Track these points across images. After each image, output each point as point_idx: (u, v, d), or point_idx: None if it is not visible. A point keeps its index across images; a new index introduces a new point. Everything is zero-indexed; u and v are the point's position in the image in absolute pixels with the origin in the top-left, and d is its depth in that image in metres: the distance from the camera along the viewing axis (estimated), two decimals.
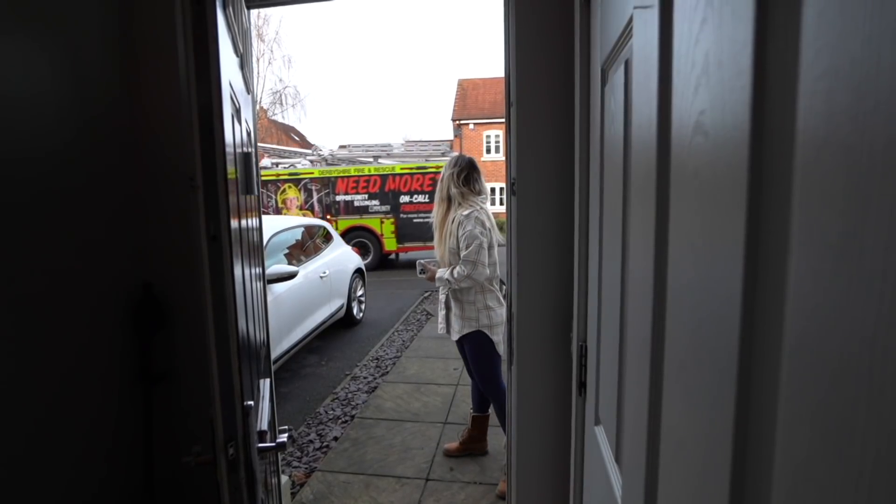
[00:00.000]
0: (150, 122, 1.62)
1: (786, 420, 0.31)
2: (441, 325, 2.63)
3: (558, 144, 1.37)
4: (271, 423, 1.48)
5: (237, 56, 1.26)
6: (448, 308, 2.57)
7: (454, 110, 24.88)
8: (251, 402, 0.96)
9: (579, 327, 1.16)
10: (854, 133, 0.22)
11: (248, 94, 1.63)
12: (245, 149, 1.37)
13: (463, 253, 2.34)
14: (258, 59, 24.00)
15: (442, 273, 2.46)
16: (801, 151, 0.27)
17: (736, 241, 0.35)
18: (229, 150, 0.89)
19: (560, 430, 1.42)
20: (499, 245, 2.43)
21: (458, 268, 2.37)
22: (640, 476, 0.61)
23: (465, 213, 2.37)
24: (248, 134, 1.54)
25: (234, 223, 0.94)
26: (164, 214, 1.65)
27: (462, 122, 24.21)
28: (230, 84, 0.99)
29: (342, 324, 5.83)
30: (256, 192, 1.62)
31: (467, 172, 2.46)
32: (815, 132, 0.26)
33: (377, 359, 4.70)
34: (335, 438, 3.15)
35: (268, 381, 1.67)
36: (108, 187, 1.52)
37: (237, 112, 1.16)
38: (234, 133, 1.01)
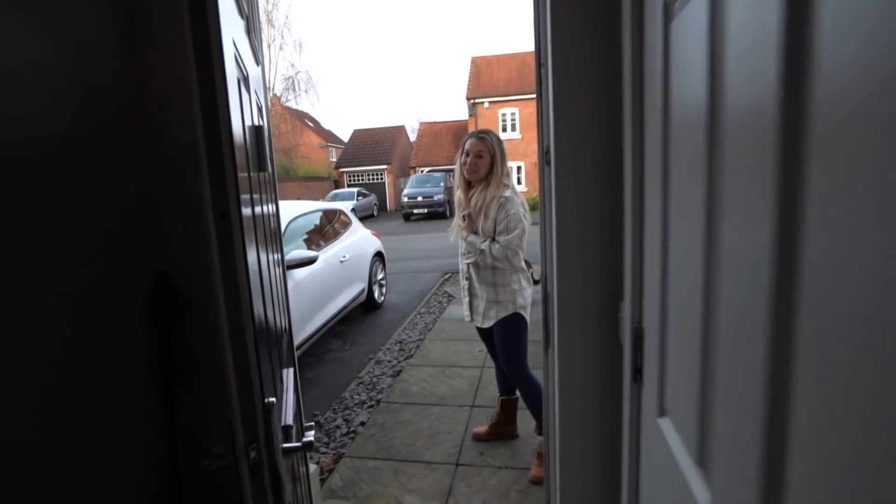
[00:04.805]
0: (153, 94, 1.52)
1: None
2: (467, 313, 2.51)
3: (601, 105, 1.22)
4: (297, 415, 1.40)
5: (242, 18, 1.14)
6: (473, 294, 2.44)
7: (468, 89, 24.43)
8: (272, 399, 0.87)
9: (633, 308, 1.03)
10: None
11: (258, 65, 1.52)
12: (256, 122, 1.26)
13: (507, 237, 2.23)
14: (269, 45, 23.86)
15: (475, 240, 2.32)
16: None
17: None
18: (235, 115, 0.78)
19: (608, 420, 1.31)
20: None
21: (496, 247, 2.25)
22: (750, 493, 0.49)
23: (507, 194, 2.27)
24: (259, 108, 1.43)
25: (246, 202, 0.84)
26: (175, 197, 1.56)
27: (477, 100, 23.78)
28: (234, 43, 0.88)
29: (364, 308, 5.79)
30: (271, 170, 1.51)
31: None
32: None
33: (400, 342, 4.64)
34: (362, 423, 3.10)
35: (291, 370, 1.59)
36: (115, 169, 1.43)
37: (244, 79, 1.05)
38: (241, 99, 0.90)
